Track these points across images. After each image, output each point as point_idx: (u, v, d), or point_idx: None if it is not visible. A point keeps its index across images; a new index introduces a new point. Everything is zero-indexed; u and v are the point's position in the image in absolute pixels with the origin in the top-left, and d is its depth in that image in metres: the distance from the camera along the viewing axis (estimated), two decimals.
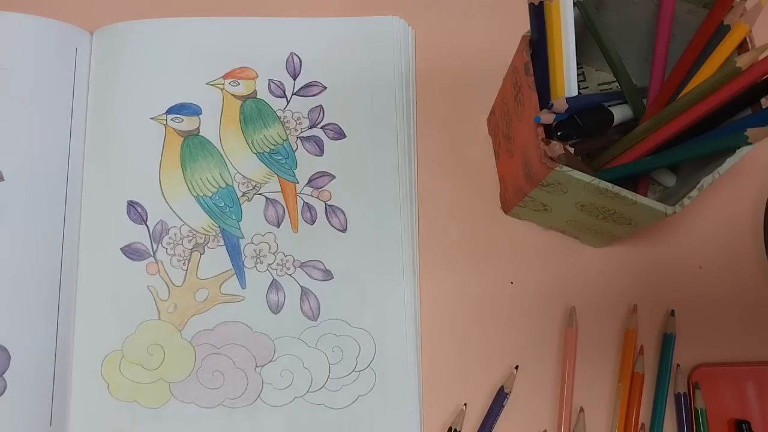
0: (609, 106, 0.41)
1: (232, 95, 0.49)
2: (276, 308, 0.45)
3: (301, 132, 0.49)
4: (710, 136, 0.37)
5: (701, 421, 0.43)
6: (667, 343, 0.45)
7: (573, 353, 0.44)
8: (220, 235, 0.46)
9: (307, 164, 0.48)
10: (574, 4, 0.38)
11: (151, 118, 0.48)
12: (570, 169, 0.35)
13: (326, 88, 0.50)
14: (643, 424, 0.44)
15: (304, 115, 0.49)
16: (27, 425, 0.41)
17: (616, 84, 0.43)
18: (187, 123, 0.48)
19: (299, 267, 0.46)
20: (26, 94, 0.46)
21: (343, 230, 0.47)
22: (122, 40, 0.49)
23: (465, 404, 0.44)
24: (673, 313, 0.46)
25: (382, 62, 0.50)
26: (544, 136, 0.36)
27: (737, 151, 0.35)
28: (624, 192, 0.35)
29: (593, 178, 0.35)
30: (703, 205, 0.48)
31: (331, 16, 0.51)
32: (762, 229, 0.47)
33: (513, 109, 0.41)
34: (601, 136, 0.42)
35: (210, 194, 0.47)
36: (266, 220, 0.47)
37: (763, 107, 0.36)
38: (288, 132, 0.49)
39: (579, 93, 0.40)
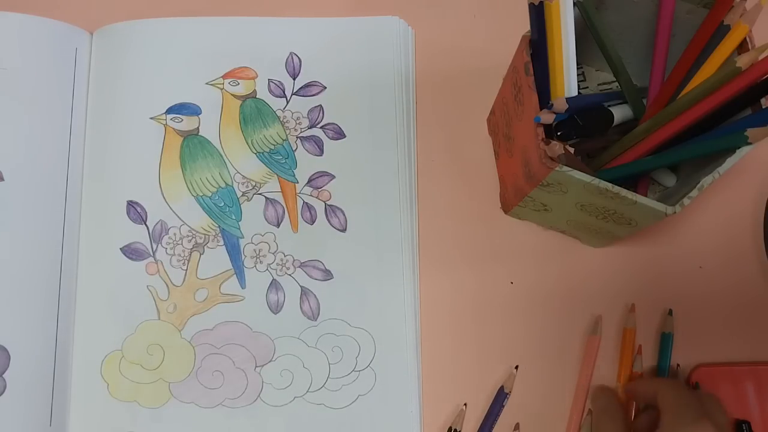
0: (609, 106, 0.41)
1: (232, 95, 0.49)
2: (276, 308, 0.45)
3: (301, 132, 0.49)
4: (710, 136, 0.37)
5: None
6: (665, 342, 0.45)
7: (593, 361, 0.44)
8: (219, 234, 0.46)
9: (306, 164, 0.48)
10: (574, 4, 0.38)
11: (151, 118, 0.48)
12: (570, 169, 0.35)
13: (326, 88, 0.50)
14: None
15: (303, 115, 0.49)
16: (27, 425, 0.41)
17: (616, 84, 0.43)
18: (186, 123, 0.48)
19: (299, 267, 0.46)
20: (26, 94, 0.46)
21: (343, 230, 0.47)
22: (122, 40, 0.49)
23: (465, 404, 0.44)
24: (670, 312, 0.46)
25: (381, 62, 0.50)
26: (544, 136, 0.36)
27: (737, 151, 0.35)
28: (624, 192, 0.35)
29: (593, 178, 0.35)
30: (703, 205, 0.48)
31: (330, 16, 0.51)
32: (762, 229, 0.47)
33: (513, 109, 0.41)
34: (601, 136, 0.42)
35: (210, 194, 0.47)
36: (266, 219, 0.47)
37: (763, 107, 0.36)
38: (288, 132, 0.49)
39: (579, 93, 0.40)
